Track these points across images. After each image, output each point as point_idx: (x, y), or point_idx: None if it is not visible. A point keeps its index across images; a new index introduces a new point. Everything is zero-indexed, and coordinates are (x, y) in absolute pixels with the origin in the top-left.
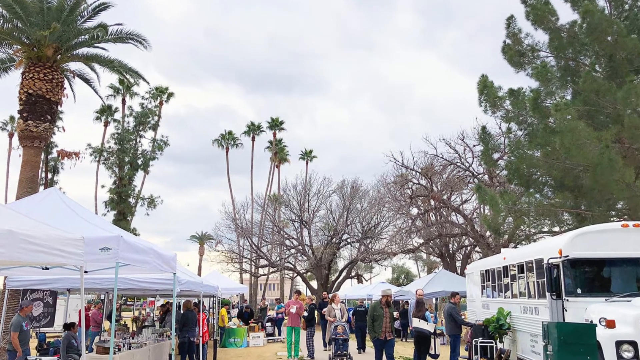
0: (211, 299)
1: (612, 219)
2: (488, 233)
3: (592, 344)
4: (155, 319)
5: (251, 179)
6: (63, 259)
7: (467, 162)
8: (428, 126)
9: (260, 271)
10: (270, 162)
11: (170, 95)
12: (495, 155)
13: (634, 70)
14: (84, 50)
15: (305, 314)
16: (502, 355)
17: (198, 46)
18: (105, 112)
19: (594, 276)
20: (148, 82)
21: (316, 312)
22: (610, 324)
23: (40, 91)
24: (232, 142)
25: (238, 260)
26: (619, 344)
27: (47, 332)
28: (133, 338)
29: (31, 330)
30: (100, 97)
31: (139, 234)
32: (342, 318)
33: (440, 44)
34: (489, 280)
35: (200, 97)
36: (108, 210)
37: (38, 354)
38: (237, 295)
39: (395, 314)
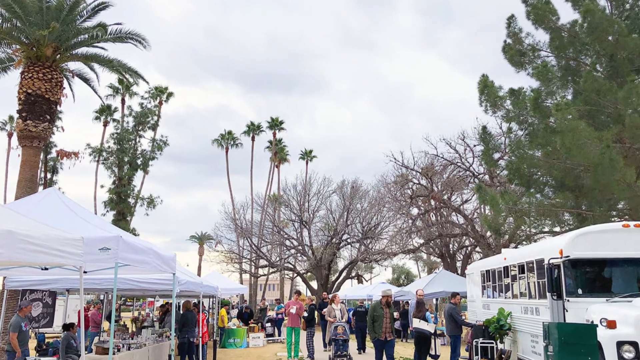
0: (211, 300)
1: (613, 219)
2: (488, 233)
3: (593, 345)
4: (154, 319)
5: (251, 179)
6: (62, 259)
7: (468, 162)
8: (428, 126)
9: (260, 271)
10: (270, 162)
11: (170, 95)
12: (496, 155)
13: (635, 70)
14: (83, 50)
15: (305, 314)
16: (503, 355)
17: (198, 46)
18: (105, 112)
19: (594, 276)
20: (147, 82)
21: (316, 312)
22: (611, 325)
23: (39, 91)
24: (232, 142)
25: (238, 261)
26: (620, 344)
27: (46, 333)
28: (132, 338)
29: (30, 330)
30: (99, 96)
31: (139, 234)
32: (342, 318)
33: (440, 44)
34: (489, 281)
35: (200, 97)
36: (107, 211)
37: (37, 354)
38: (236, 296)
39: (396, 314)
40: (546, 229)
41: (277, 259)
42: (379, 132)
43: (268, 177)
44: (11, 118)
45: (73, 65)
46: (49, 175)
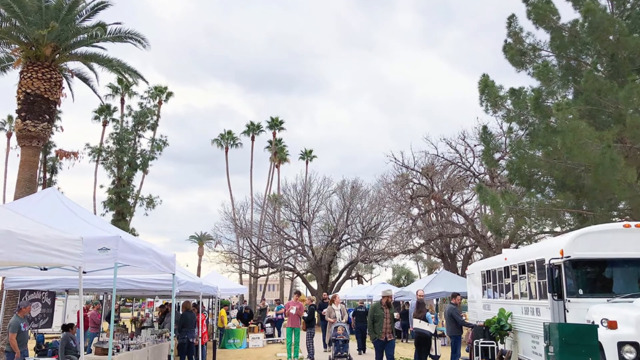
0: (210, 300)
1: (614, 219)
2: (489, 233)
3: (594, 345)
4: (154, 319)
5: (251, 179)
6: (61, 259)
7: (468, 162)
8: (428, 126)
9: (260, 272)
10: (270, 162)
11: (170, 94)
12: (497, 155)
13: (636, 70)
14: (82, 50)
15: (305, 314)
16: (503, 356)
17: (198, 45)
18: (104, 111)
19: (595, 277)
20: (147, 82)
21: (316, 312)
22: (612, 325)
23: (38, 90)
24: (232, 142)
25: (237, 261)
26: (620, 345)
27: (45, 333)
28: (132, 339)
29: (29, 331)
30: (99, 96)
31: (138, 234)
32: (342, 319)
33: (440, 44)
34: (490, 281)
35: (200, 97)
36: (107, 211)
37: (36, 355)
38: (236, 296)
39: (396, 314)
40: (547, 229)
41: (277, 259)
42: (379, 132)
43: (268, 177)
44: (10, 118)
45: (72, 65)
46: (48, 175)
